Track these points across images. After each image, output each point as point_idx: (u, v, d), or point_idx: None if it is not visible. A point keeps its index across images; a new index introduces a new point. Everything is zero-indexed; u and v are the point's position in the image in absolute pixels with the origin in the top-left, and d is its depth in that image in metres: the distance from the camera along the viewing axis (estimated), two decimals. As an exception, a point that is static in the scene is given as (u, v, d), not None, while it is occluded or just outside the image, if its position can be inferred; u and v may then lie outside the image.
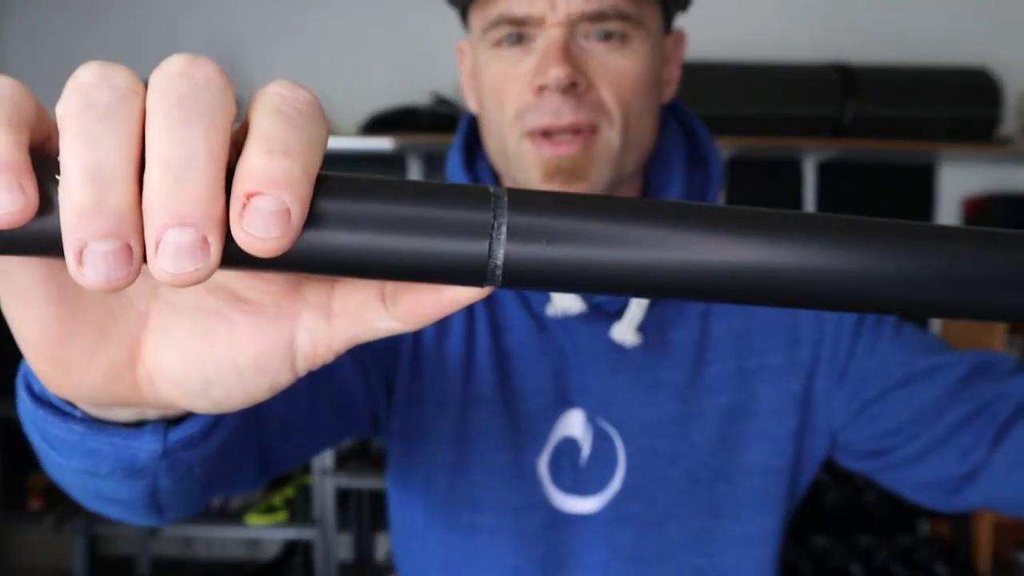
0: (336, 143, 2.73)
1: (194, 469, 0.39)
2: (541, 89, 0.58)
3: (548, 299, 0.67)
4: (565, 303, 0.65)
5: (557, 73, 0.56)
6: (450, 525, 0.69)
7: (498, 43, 0.61)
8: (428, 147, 2.75)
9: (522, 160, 0.62)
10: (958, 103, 2.60)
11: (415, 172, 2.86)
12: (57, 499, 2.51)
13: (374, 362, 0.68)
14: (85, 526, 2.42)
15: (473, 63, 0.65)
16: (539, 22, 0.58)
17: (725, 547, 0.69)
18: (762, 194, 2.94)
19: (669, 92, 0.68)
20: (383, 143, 2.59)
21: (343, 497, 2.52)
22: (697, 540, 0.69)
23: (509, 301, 0.70)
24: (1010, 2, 2.89)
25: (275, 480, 2.61)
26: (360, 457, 2.44)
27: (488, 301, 0.70)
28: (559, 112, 0.58)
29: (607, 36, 0.58)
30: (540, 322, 0.69)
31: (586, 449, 0.68)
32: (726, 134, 2.58)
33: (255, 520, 2.41)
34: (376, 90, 2.73)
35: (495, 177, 0.70)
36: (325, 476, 2.42)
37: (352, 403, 0.66)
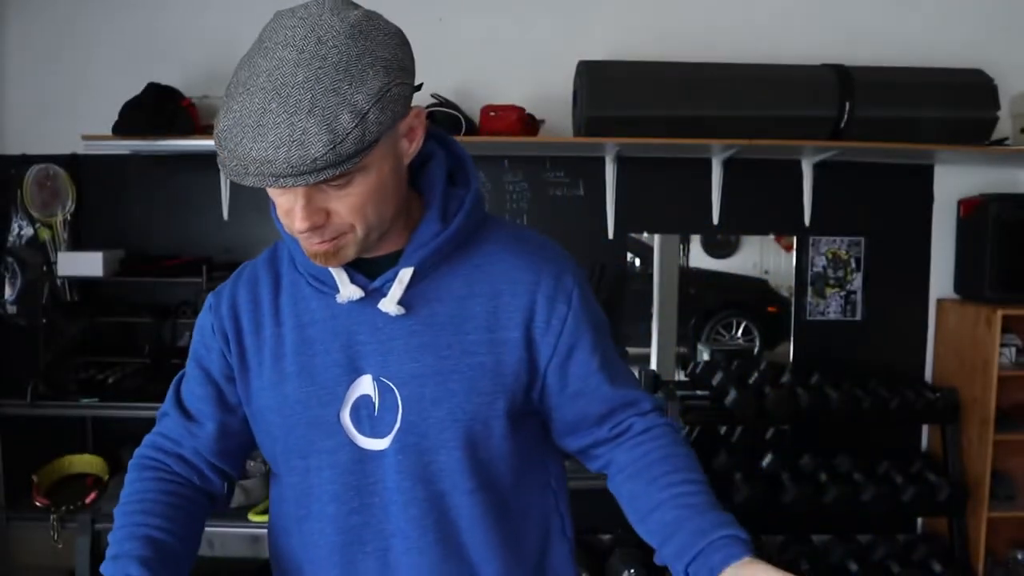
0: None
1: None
2: (294, 229, 0.83)
3: (336, 291, 0.92)
4: (348, 292, 0.91)
5: (300, 227, 0.81)
6: (291, 471, 0.97)
7: None
8: (428, 148, 2.76)
9: (300, 245, 0.88)
10: (954, 105, 2.61)
11: (416, 173, 2.88)
12: (60, 498, 2.53)
13: (228, 388, 1.00)
14: (88, 524, 2.43)
15: None
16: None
17: (488, 467, 0.95)
18: (761, 194, 2.96)
19: (414, 149, 0.88)
20: (384, 144, 2.60)
21: (344, 495, 2.53)
22: (464, 463, 0.93)
23: (312, 300, 0.95)
24: (1006, 5, 2.91)
25: (276, 478, 2.62)
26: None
27: (295, 304, 0.95)
28: (310, 240, 0.84)
29: (336, 186, 0.80)
30: (333, 312, 0.93)
31: (377, 402, 0.92)
32: (726, 134, 2.60)
33: (257, 518, 2.43)
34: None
35: None
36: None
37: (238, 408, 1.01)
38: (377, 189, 0.83)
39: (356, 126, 0.75)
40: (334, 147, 0.74)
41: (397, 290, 0.90)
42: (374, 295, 0.92)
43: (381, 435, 0.92)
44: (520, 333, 0.93)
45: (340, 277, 0.91)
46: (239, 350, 0.98)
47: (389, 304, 0.90)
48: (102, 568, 0.88)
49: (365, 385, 0.92)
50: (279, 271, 0.99)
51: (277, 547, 1.04)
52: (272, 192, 0.83)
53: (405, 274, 0.91)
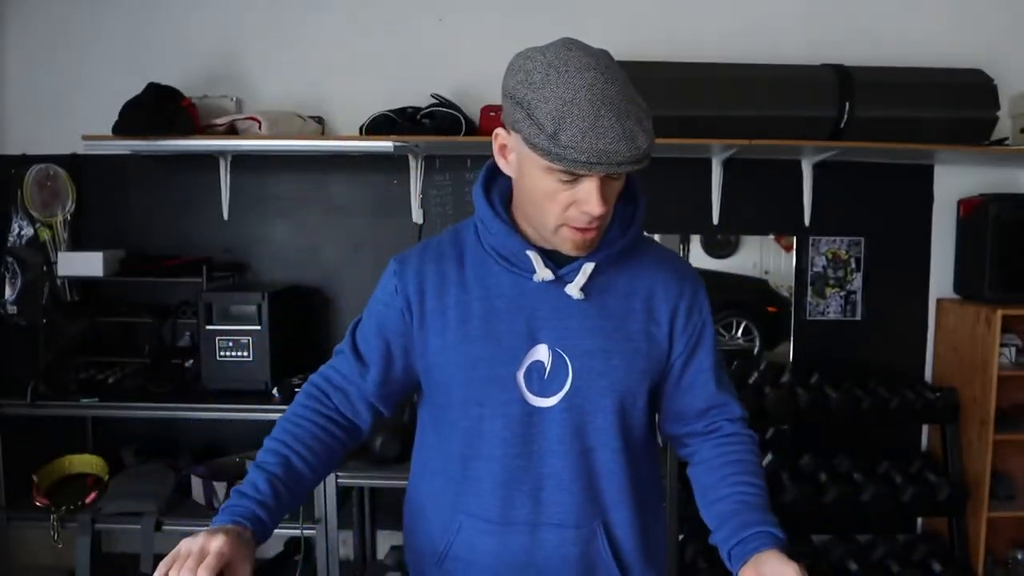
0: (339, 144, 2.75)
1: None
2: (588, 213, 1.02)
3: (534, 271, 1.11)
4: (543, 273, 1.10)
5: (599, 211, 1.02)
6: (466, 416, 1.15)
7: (552, 173, 1.01)
8: (428, 147, 2.76)
9: (559, 236, 1.07)
10: (954, 105, 2.61)
11: (415, 170, 2.88)
12: (60, 498, 2.53)
13: (397, 342, 1.19)
14: (88, 524, 2.43)
15: (519, 162, 1.07)
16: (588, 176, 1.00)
17: (630, 432, 1.17)
18: (761, 194, 2.96)
19: None
20: (384, 144, 2.61)
21: (344, 495, 2.54)
22: (615, 426, 1.14)
23: (502, 277, 1.14)
24: (1006, 5, 2.91)
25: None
26: (360, 456, 2.46)
27: (484, 279, 1.14)
28: (590, 225, 1.05)
29: (617, 178, 1.04)
30: (521, 289, 1.13)
31: (548, 367, 1.12)
32: (725, 134, 2.60)
33: (257, 518, 2.43)
34: (377, 93, 2.75)
35: (506, 208, 1.16)
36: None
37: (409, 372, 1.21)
38: (622, 187, 1.09)
39: (652, 127, 1.01)
40: (650, 142, 0.99)
41: (581, 279, 1.11)
42: (558, 282, 1.12)
43: (548, 395, 1.12)
44: (667, 329, 1.17)
45: (537, 262, 1.11)
46: (420, 311, 1.15)
47: (574, 289, 1.11)
48: (249, 465, 1.12)
49: (540, 353, 1.12)
50: (463, 249, 1.18)
51: (427, 487, 1.24)
52: (555, 185, 1.02)
53: (588, 267, 1.11)
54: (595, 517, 1.16)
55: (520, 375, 1.12)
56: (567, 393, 1.12)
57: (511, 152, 1.09)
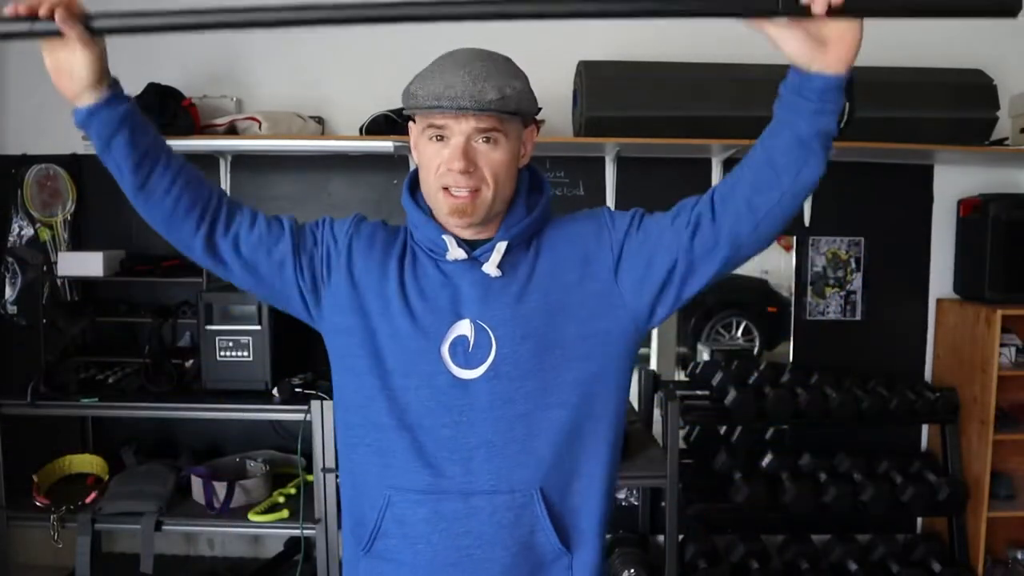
0: (339, 144, 2.76)
1: (131, 136, 1.22)
2: (450, 169, 1.12)
3: (447, 250, 1.19)
4: (456, 253, 1.18)
5: (457, 165, 1.11)
6: (389, 386, 1.18)
7: (430, 137, 1.14)
8: (428, 148, 2.76)
9: (438, 201, 1.16)
10: (954, 105, 2.61)
11: (416, 173, 2.88)
12: (60, 498, 2.54)
13: (308, 263, 1.27)
14: (88, 524, 2.44)
15: (415, 141, 1.19)
16: (451, 131, 1.12)
17: (563, 391, 1.17)
18: (760, 194, 2.96)
19: (524, 160, 1.23)
20: (384, 144, 2.61)
21: (344, 495, 2.54)
22: (546, 387, 1.16)
23: (429, 266, 1.22)
24: (1006, 4, 2.90)
25: (277, 478, 2.63)
26: (361, 455, 2.46)
27: (414, 268, 1.22)
28: (458, 182, 1.13)
29: (487, 140, 1.13)
30: (443, 272, 1.21)
31: (472, 340, 1.17)
32: (726, 134, 2.60)
33: (257, 517, 2.44)
34: (377, 93, 2.75)
35: (427, 205, 1.22)
36: (326, 474, 2.43)
37: (283, 269, 1.27)
38: (506, 162, 1.15)
39: (513, 94, 1.12)
40: (501, 99, 1.11)
41: (496, 256, 1.19)
42: (476, 263, 1.20)
43: (473, 367, 1.16)
44: (576, 275, 1.20)
45: (451, 242, 1.19)
46: (348, 261, 1.25)
47: (490, 267, 1.19)
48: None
49: (463, 327, 1.18)
50: (405, 240, 1.27)
51: (355, 462, 1.24)
52: (430, 148, 1.14)
53: (502, 245, 1.19)
54: (531, 483, 1.16)
55: (444, 349, 1.17)
56: (492, 362, 1.16)
57: (413, 143, 1.21)
